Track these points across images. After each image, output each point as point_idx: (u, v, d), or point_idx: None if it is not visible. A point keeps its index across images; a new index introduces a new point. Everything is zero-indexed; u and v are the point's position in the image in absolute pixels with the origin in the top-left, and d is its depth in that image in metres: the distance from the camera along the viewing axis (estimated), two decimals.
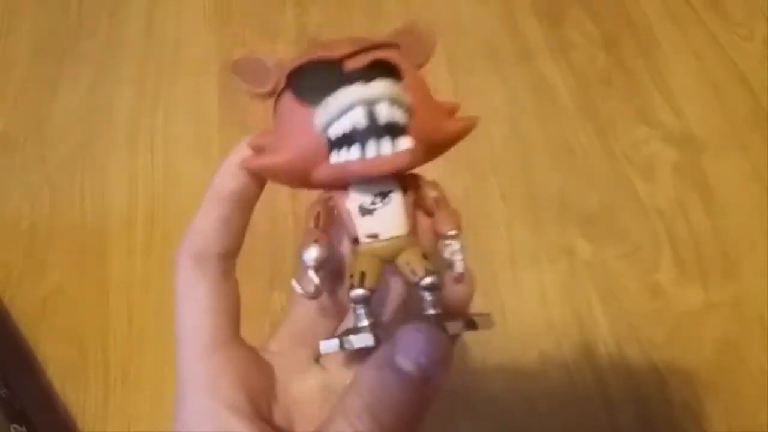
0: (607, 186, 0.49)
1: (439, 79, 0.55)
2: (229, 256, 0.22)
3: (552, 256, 0.46)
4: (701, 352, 0.41)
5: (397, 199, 0.19)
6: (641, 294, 0.44)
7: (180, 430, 0.19)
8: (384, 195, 0.19)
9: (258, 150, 0.21)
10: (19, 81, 0.61)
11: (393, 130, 0.18)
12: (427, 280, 0.18)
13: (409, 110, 0.18)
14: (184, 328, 0.20)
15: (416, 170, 0.20)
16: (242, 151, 0.21)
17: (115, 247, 0.50)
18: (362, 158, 0.18)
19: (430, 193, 0.20)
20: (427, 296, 0.19)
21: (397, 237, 0.19)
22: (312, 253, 0.19)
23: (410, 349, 0.17)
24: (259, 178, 0.21)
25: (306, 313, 0.22)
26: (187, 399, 0.20)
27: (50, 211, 0.52)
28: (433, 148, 0.19)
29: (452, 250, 0.19)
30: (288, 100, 0.20)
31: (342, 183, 0.19)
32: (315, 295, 0.19)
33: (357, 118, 0.18)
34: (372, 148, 0.18)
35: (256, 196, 0.22)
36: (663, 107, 0.52)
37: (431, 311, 0.19)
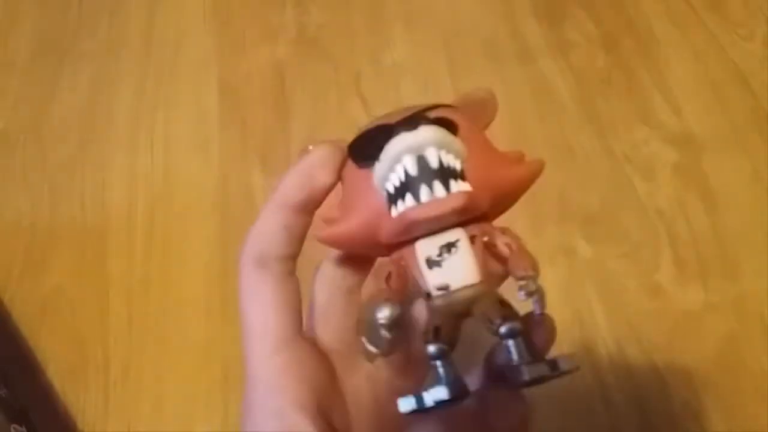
0: (607, 186, 0.49)
1: (439, 79, 0.55)
2: (290, 258, 0.22)
3: (552, 256, 0.46)
4: (701, 352, 0.41)
5: (464, 247, 0.19)
6: (641, 294, 0.44)
7: (249, 429, 0.20)
8: (451, 245, 0.19)
9: (329, 222, 0.21)
10: (19, 81, 0.61)
11: (445, 174, 0.18)
12: (506, 326, 0.17)
13: (462, 156, 0.18)
14: (252, 328, 0.22)
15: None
16: (308, 161, 0.21)
17: (115, 247, 0.50)
18: (417, 204, 0.18)
19: (502, 239, 0.19)
20: (510, 344, 0.18)
21: (470, 286, 0.18)
22: (385, 312, 0.18)
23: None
24: (321, 190, 0.21)
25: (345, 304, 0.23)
26: (256, 398, 0.20)
27: (50, 211, 0.52)
28: (498, 195, 0.19)
29: (528, 290, 0.18)
30: (349, 168, 0.20)
31: (407, 236, 0.19)
32: (388, 353, 0.19)
33: (408, 166, 0.18)
34: (425, 193, 0.18)
35: (318, 205, 0.22)
36: (663, 107, 0.52)
37: (515, 359, 0.17)
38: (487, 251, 0.19)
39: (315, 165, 0.21)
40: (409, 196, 0.18)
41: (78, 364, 0.45)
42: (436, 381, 0.17)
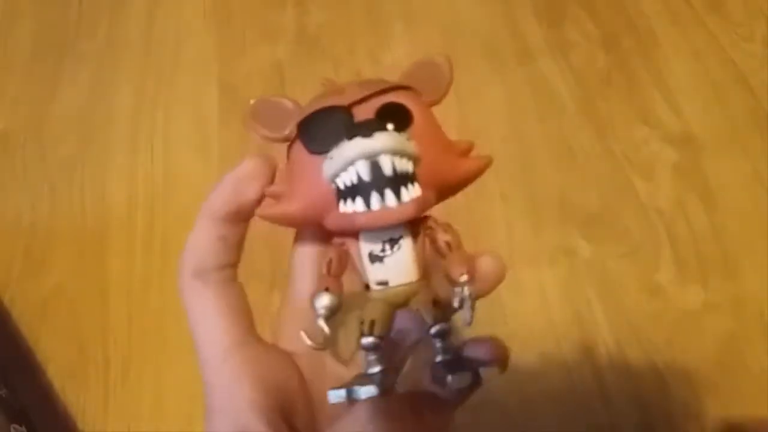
0: (607, 186, 0.49)
1: None
2: (229, 266, 0.22)
3: (552, 256, 0.46)
4: (701, 352, 0.41)
5: (406, 245, 0.19)
6: (641, 294, 0.44)
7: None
8: (394, 242, 0.19)
9: (274, 197, 0.21)
10: (19, 81, 0.61)
11: (397, 181, 0.18)
12: (435, 327, 0.18)
13: (415, 158, 0.18)
14: (200, 337, 0.21)
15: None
16: (237, 173, 0.22)
17: (115, 247, 0.50)
18: (367, 210, 0.18)
19: (443, 237, 0.19)
20: (437, 343, 0.19)
21: (407, 284, 0.19)
22: (323, 301, 0.19)
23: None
24: (249, 204, 0.21)
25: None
26: (213, 404, 0.20)
27: (50, 211, 0.52)
28: (445, 190, 0.20)
29: (461, 297, 0.18)
30: (299, 149, 0.20)
31: (352, 231, 0.19)
32: (324, 346, 0.19)
33: (361, 171, 0.18)
34: (376, 201, 0.18)
35: (250, 216, 0.22)
36: (663, 107, 0.52)
37: (439, 358, 0.19)
38: (430, 246, 0.19)
39: (244, 179, 0.21)
40: (359, 200, 0.18)
41: (78, 364, 0.45)
42: (369, 377, 0.18)
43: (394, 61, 0.57)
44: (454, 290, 0.18)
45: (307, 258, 0.23)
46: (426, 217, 0.20)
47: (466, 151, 0.21)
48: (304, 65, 0.58)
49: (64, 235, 0.51)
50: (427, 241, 0.19)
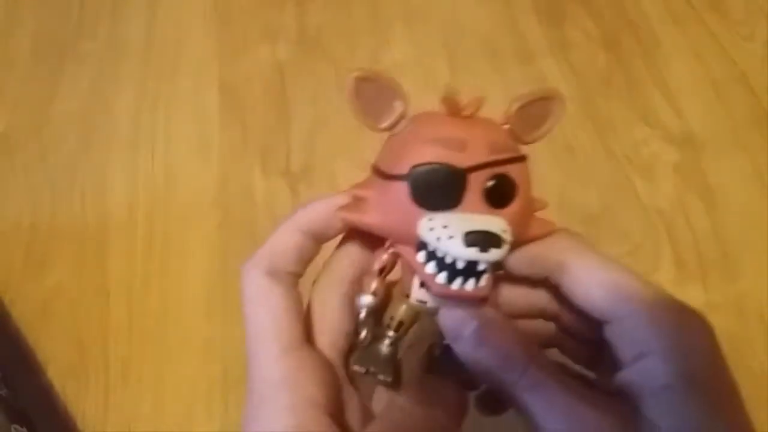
0: (607, 186, 0.49)
1: (439, 79, 0.55)
2: (296, 276, 0.24)
3: None
4: None
5: None
6: None
7: (258, 429, 0.20)
8: None
9: (356, 200, 0.22)
10: (19, 81, 0.61)
11: (475, 275, 0.20)
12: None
13: (504, 244, 0.20)
14: (261, 330, 0.22)
15: None
16: (338, 200, 0.23)
17: (115, 247, 0.50)
18: (445, 285, 0.20)
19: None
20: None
21: (437, 306, 0.21)
22: (365, 300, 0.22)
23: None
24: (335, 232, 0.23)
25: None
26: (267, 397, 0.21)
27: (50, 211, 0.52)
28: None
29: None
30: (402, 190, 0.21)
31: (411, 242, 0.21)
32: (365, 341, 0.22)
33: (459, 264, 0.20)
34: (458, 284, 0.20)
35: (328, 240, 0.24)
36: (663, 107, 0.52)
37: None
38: None
39: (343, 210, 0.22)
40: (443, 273, 0.20)
41: (78, 364, 0.45)
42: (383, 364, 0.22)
43: (394, 61, 0.57)
44: None
45: (352, 256, 0.24)
46: None
47: (542, 226, 0.23)
48: (304, 65, 0.58)
49: (64, 235, 0.51)
50: None
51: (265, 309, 0.22)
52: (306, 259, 0.24)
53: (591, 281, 0.22)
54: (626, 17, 0.57)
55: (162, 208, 0.52)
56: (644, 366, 0.20)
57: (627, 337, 0.21)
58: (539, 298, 0.25)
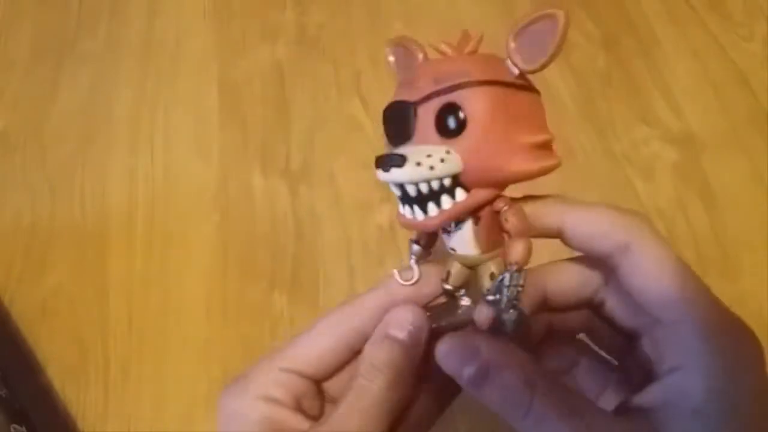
0: (607, 186, 0.49)
1: None
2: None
3: (552, 256, 0.46)
4: None
5: (467, 226, 0.22)
6: None
7: None
8: (458, 222, 0.22)
9: None
10: (19, 81, 0.61)
11: (425, 198, 0.21)
12: (488, 297, 0.22)
13: (452, 170, 0.20)
14: None
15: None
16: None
17: (115, 247, 0.50)
18: (403, 216, 0.22)
19: (510, 219, 0.22)
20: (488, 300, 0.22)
21: (467, 256, 0.22)
22: (414, 248, 0.24)
23: (399, 321, 0.22)
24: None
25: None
26: None
27: (50, 211, 0.52)
28: (503, 184, 0.22)
29: (499, 284, 0.21)
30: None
31: None
32: (413, 282, 0.24)
33: (395, 191, 0.21)
34: (407, 212, 0.22)
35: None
36: (663, 107, 0.52)
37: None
38: (495, 228, 0.22)
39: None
40: (406, 208, 0.22)
41: (78, 364, 0.45)
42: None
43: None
44: (498, 277, 0.21)
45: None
46: (498, 197, 0.22)
47: (540, 145, 0.23)
48: (304, 65, 0.58)
49: (64, 235, 0.51)
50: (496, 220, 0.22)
51: None
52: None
53: (652, 273, 0.20)
54: (626, 17, 0.57)
55: (162, 208, 0.52)
56: (678, 381, 0.19)
57: (669, 344, 0.20)
58: (589, 286, 0.24)
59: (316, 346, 0.23)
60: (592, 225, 0.22)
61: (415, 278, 0.24)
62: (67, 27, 0.64)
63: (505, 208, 0.22)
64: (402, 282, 0.23)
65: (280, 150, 0.53)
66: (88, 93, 0.59)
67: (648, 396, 0.19)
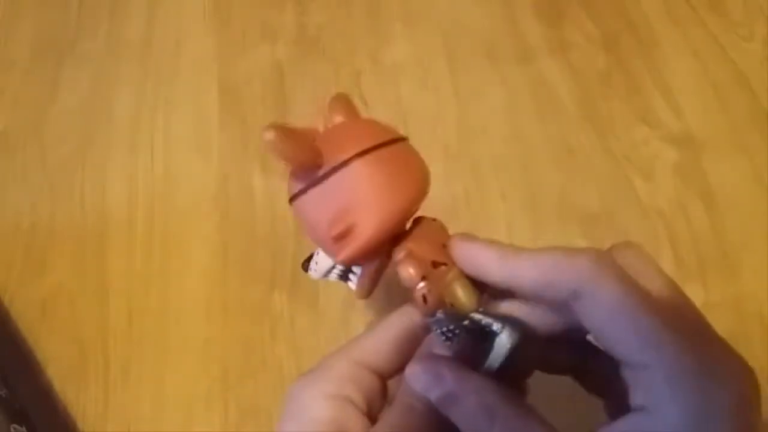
0: (607, 186, 0.49)
1: (440, 79, 0.55)
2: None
3: None
4: None
5: (402, 266, 0.24)
6: None
7: None
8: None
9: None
10: (19, 81, 0.61)
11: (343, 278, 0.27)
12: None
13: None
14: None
15: None
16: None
17: (115, 247, 0.50)
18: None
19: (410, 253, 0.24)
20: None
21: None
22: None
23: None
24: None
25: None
26: None
27: (50, 211, 0.52)
28: (368, 253, 0.24)
29: (437, 325, 0.23)
30: None
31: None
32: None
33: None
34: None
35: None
36: (663, 107, 0.52)
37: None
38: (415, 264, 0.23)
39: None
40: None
41: (78, 364, 0.45)
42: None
43: (394, 61, 0.57)
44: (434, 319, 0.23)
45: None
46: (403, 239, 0.24)
47: (341, 235, 0.23)
48: (304, 65, 0.58)
49: (64, 235, 0.51)
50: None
51: None
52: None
53: (607, 318, 0.19)
54: (626, 17, 0.57)
55: (162, 208, 0.52)
56: (641, 422, 0.19)
57: (635, 381, 0.19)
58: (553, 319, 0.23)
59: (386, 341, 0.24)
60: (538, 274, 0.21)
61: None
62: (67, 27, 0.64)
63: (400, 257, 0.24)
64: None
65: None
66: (88, 93, 0.59)
67: (616, 428, 0.19)
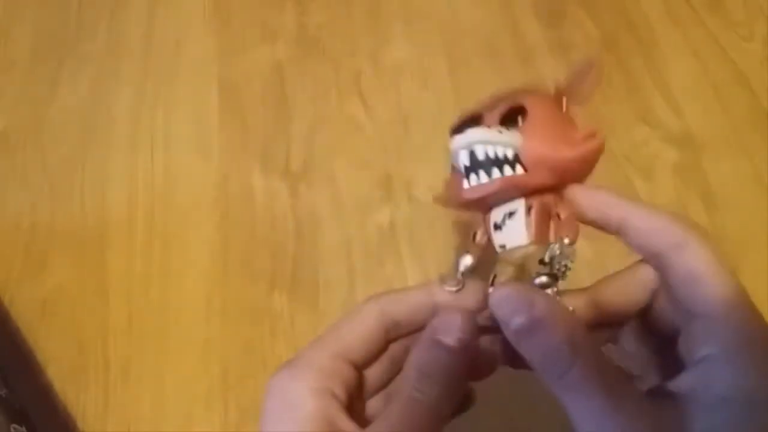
0: (607, 186, 0.49)
1: (439, 79, 0.55)
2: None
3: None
4: None
5: (519, 216, 0.24)
6: None
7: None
8: (511, 213, 0.24)
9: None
10: (19, 81, 0.61)
11: (492, 164, 0.23)
12: (538, 279, 0.22)
13: (515, 144, 0.23)
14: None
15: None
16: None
17: (115, 247, 0.50)
18: (469, 186, 0.24)
19: (555, 209, 0.24)
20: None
21: (519, 247, 0.23)
22: (466, 261, 0.24)
23: (449, 329, 0.22)
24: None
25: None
26: None
27: (50, 211, 0.52)
28: (559, 171, 0.24)
29: (551, 253, 0.23)
30: None
31: (481, 205, 0.25)
32: (457, 290, 0.24)
33: (463, 158, 0.23)
34: (473, 179, 0.23)
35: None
36: (663, 107, 0.52)
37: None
38: (546, 217, 0.23)
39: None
40: (467, 178, 0.23)
41: (78, 364, 0.45)
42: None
43: (394, 61, 0.57)
44: (549, 247, 0.23)
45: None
46: (551, 192, 0.24)
47: (583, 138, 0.25)
48: (304, 65, 0.58)
49: (64, 235, 0.51)
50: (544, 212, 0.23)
51: None
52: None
53: (702, 272, 0.21)
54: (626, 17, 0.57)
55: (162, 207, 0.52)
56: (708, 369, 0.19)
57: (704, 335, 0.20)
58: (644, 292, 0.24)
59: (361, 332, 0.24)
60: (652, 222, 0.23)
61: (460, 287, 0.24)
62: (67, 27, 0.64)
63: (557, 200, 0.24)
64: (446, 288, 0.24)
65: (280, 150, 0.53)
66: (88, 93, 0.59)
67: (678, 382, 0.20)
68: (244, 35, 0.61)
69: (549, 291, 0.22)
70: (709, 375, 0.19)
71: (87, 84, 0.59)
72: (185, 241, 0.50)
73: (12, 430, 0.39)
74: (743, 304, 0.21)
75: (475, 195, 0.23)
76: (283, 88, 0.57)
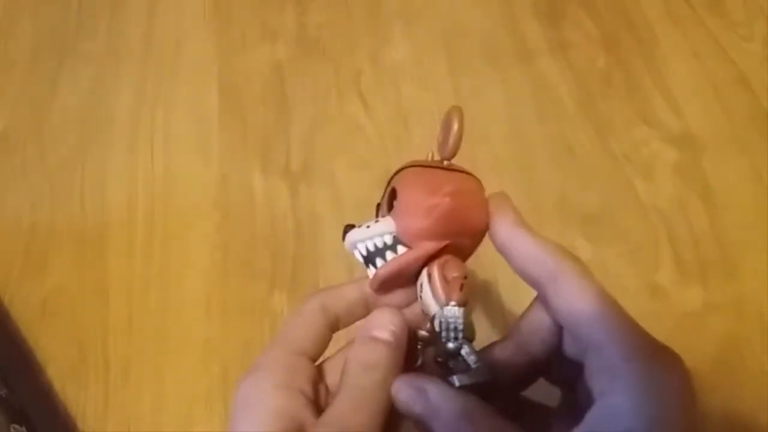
0: (607, 186, 0.49)
1: (439, 79, 0.55)
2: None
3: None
4: (701, 352, 0.41)
5: (425, 285, 0.25)
6: (641, 294, 0.44)
7: None
8: (422, 284, 0.25)
9: None
10: (19, 81, 0.61)
11: (374, 256, 0.25)
12: (449, 344, 0.23)
13: (389, 229, 0.25)
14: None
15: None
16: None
17: (115, 247, 0.50)
18: (369, 277, 0.26)
19: (451, 272, 0.24)
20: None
21: (432, 314, 0.24)
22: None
23: (382, 323, 0.24)
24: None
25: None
26: None
27: (50, 211, 0.52)
28: (433, 237, 0.24)
29: (439, 319, 0.24)
30: None
31: (394, 286, 0.26)
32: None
33: (358, 256, 0.26)
34: (371, 271, 0.26)
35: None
36: (663, 107, 0.52)
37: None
38: (444, 282, 0.24)
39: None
40: (370, 268, 0.26)
41: (78, 364, 0.45)
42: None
43: (394, 61, 0.57)
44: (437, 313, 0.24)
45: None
46: (446, 257, 0.25)
47: (444, 195, 0.25)
48: (304, 65, 0.58)
49: (64, 235, 0.51)
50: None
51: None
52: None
53: (576, 299, 0.22)
54: (626, 17, 0.57)
55: (162, 208, 0.52)
56: (607, 404, 0.20)
57: (598, 369, 0.21)
58: (552, 327, 0.25)
59: (309, 328, 0.25)
60: (531, 248, 0.24)
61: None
62: (67, 27, 0.64)
63: (442, 262, 0.24)
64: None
65: (280, 150, 0.53)
66: (88, 93, 0.59)
67: (584, 424, 0.20)
68: (244, 35, 0.61)
69: (463, 352, 0.23)
70: (610, 410, 0.19)
71: (87, 84, 0.60)
72: (185, 241, 0.50)
73: (12, 430, 0.39)
74: (629, 329, 0.21)
75: (374, 284, 0.25)
76: (283, 88, 0.57)
